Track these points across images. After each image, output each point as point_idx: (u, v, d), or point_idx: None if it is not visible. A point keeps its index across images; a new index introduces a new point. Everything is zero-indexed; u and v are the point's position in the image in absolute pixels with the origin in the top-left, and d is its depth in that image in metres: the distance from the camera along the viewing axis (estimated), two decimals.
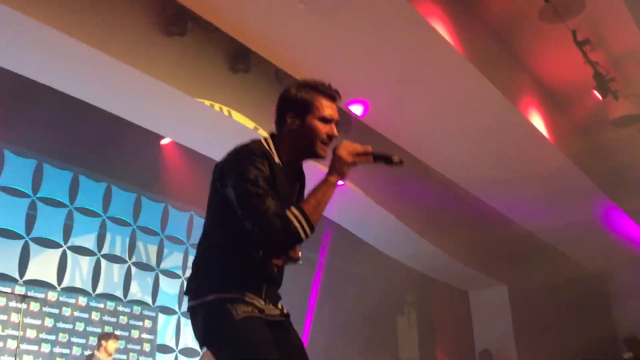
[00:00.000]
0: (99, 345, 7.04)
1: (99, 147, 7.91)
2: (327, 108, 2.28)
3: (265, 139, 2.33)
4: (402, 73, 6.21)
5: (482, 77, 6.17)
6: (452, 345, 11.55)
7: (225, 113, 6.49)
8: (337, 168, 2.18)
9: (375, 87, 6.44)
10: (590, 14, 6.11)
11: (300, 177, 2.40)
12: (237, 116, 6.60)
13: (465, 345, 11.50)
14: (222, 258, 2.22)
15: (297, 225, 2.07)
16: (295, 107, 2.28)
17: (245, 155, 2.19)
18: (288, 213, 2.09)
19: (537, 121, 7.21)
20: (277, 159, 2.26)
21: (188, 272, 9.73)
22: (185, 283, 9.71)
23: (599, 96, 6.77)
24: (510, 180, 8.16)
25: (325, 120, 2.27)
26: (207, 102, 6.33)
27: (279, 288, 2.39)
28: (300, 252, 2.36)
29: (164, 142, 8.14)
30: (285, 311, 2.37)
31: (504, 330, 11.21)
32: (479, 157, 7.69)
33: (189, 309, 2.26)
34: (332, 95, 2.31)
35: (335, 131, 2.30)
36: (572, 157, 7.85)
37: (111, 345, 6.91)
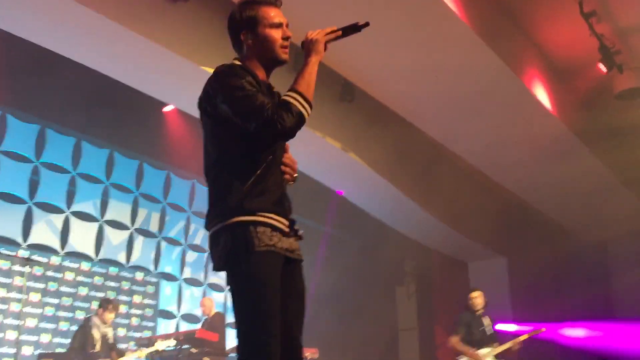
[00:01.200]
0: (97, 311, 7.08)
1: (101, 113, 7.91)
2: (274, 15, 2.37)
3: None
4: (410, 46, 6.16)
5: (486, 48, 6.13)
6: (450, 317, 11.65)
7: None
8: (314, 48, 2.30)
9: (384, 61, 6.40)
10: None
11: (273, 95, 2.42)
12: None
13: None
14: (240, 180, 2.22)
15: (298, 104, 2.19)
16: (245, 25, 2.37)
17: (225, 70, 2.29)
18: (285, 97, 2.19)
19: (541, 93, 7.19)
20: (250, 71, 2.32)
21: (190, 240, 9.87)
22: (186, 251, 9.82)
23: (604, 69, 6.73)
24: (512, 153, 8.16)
25: (276, 26, 2.36)
26: (210, 70, 6.31)
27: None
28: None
29: (166, 109, 8.13)
30: (300, 236, 2.36)
31: (502, 303, 11.29)
32: (481, 128, 7.68)
33: (210, 237, 2.27)
34: (273, 2, 2.40)
35: (288, 32, 2.39)
36: (575, 130, 7.84)
37: (108, 315, 6.92)
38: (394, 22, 5.80)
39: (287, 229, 2.27)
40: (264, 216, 2.21)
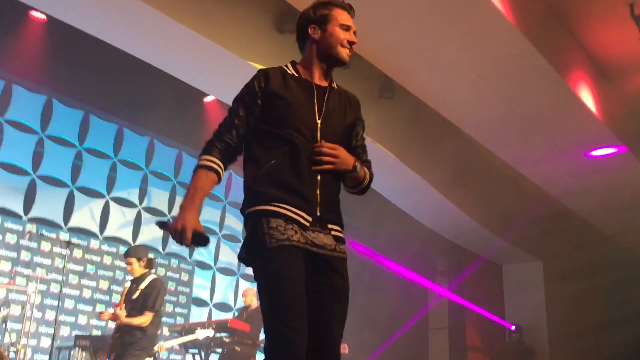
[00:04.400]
0: None
1: (143, 101, 8.03)
2: (345, 18, 2.49)
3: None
4: (452, 42, 6.09)
5: (532, 49, 6.02)
6: (482, 318, 11.54)
7: None
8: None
9: (422, 51, 6.35)
10: None
11: (330, 95, 2.47)
12: None
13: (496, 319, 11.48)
14: (256, 169, 2.33)
15: (204, 162, 2.40)
16: (316, 20, 2.49)
17: (241, 90, 2.50)
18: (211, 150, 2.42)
19: (587, 96, 7.04)
20: (290, 71, 2.48)
21: (225, 229, 9.97)
22: (221, 240, 9.92)
23: None
24: (554, 156, 8.02)
25: (345, 28, 2.48)
26: (251, 63, 6.35)
27: (331, 208, 2.36)
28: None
29: (207, 99, 8.22)
30: (337, 239, 2.34)
31: (536, 307, 11.14)
32: (525, 131, 7.56)
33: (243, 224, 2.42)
34: (347, 7, 2.52)
35: (354, 37, 2.50)
36: (621, 135, 7.66)
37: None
38: (436, 18, 5.74)
39: (306, 222, 2.25)
40: (276, 205, 2.23)
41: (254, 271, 2.27)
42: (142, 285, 5.80)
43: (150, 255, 6.29)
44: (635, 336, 9.63)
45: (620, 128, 7.70)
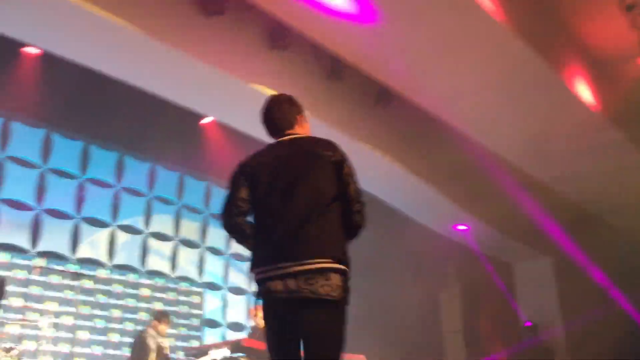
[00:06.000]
0: (152, 323, 7.24)
1: (142, 128, 8.06)
2: None
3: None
4: (444, 43, 6.12)
5: (525, 47, 6.04)
6: (496, 319, 11.48)
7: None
8: None
9: (418, 58, 6.37)
10: None
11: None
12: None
13: (510, 318, 11.42)
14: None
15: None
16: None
17: None
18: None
19: (583, 89, 7.04)
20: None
21: (233, 249, 9.97)
22: (229, 260, 9.91)
23: None
24: (555, 150, 8.02)
25: None
26: (244, 82, 6.37)
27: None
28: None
29: (204, 121, 8.25)
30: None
31: (549, 304, 11.07)
32: (523, 128, 7.56)
33: None
34: None
35: None
36: (619, 126, 7.65)
37: (162, 327, 7.11)
38: (427, 18, 5.77)
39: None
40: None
41: (336, 311, 2.59)
42: None
43: None
44: None
45: (617, 117, 7.70)
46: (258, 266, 2.68)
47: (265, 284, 2.62)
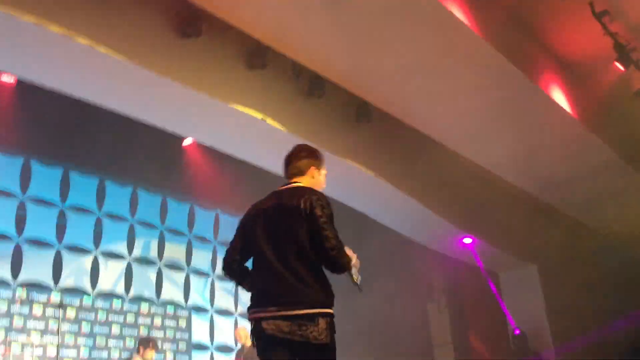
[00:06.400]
0: (137, 350, 7.16)
1: (120, 152, 8.00)
2: None
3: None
4: (419, 58, 6.17)
5: (500, 57, 6.11)
6: (485, 329, 11.49)
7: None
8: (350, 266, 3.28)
9: (397, 74, 6.41)
10: None
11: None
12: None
13: (498, 328, 11.43)
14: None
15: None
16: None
17: None
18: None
19: (559, 97, 7.13)
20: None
21: (218, 271, 9.88)
22: (215, 282, 9.82)
23: (621, 67, 6.67)
24: (532, 157, 8.09)
25: None
26: (222, 102, 6.35)
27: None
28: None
29: (185, 143, 8.21)
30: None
31: (536, 311, 11.10)
32: (500, 136, 7.63)
33: None
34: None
35: None
36: (596, 131, 7.75)
37: (149, 353, 7.04)
38: (406, 36, 5.82)
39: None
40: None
41: (323, 352, 2.95)
42: None
43: None
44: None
45: (593, 123, 7.80)
46: (252, 307, 3.09)
47: (260, 324, 3.00)
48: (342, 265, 3.07)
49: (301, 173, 3.32)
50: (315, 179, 3.35)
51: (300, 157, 3.35)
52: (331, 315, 3.00)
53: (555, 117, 7.28)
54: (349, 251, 3.14)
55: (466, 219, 9.66)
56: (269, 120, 6.61)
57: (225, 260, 3.30)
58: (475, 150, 7.96)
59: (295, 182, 3.30)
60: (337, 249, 3.02)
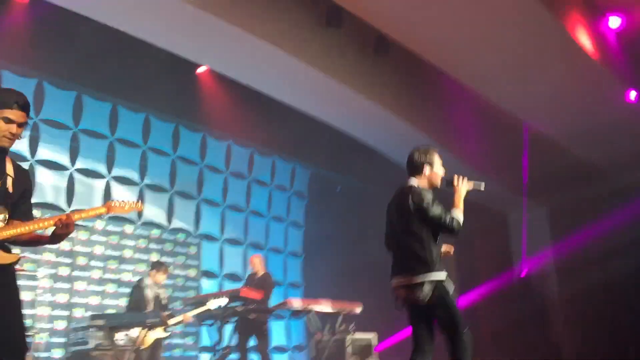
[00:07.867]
0: (149, 273, 7.30)
1: (134, 77, 7.91)
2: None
3: None
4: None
5: None
6: (491, 269, 11.56)
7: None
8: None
9: (416, 7, 6.24)
10: None
11: None
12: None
13: (505, 268, 11.49)
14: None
15: None
16: None
17: None
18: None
19: (583, 37, 6.94)
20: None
21: (228, 201, 9.96)
22: (225, 211, 9.91)
23: None
24: (550, 97, 7.96)
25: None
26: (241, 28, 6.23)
27: None
28: None
29: (199, 70, 8.10)
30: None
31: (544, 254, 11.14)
32: (522, 76, 7.49)
33: None
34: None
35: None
36: (615, 70, 7.59)
37: (160, 276, 7.17)
38: None
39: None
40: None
41: (434, 306, 3.80)
42: None
43: None
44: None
45: (614, 63, 7.62)
46: (392, 277, 3.96)
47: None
48: (456, 230, 4.04)
49: (418, 171, 4.10)
50: (424, 180, 4.10)
51: (415, 158, 4.08)
52: (433, 281, 3.82)
53: (579, 58, 7.10)
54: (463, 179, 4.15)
55: (476, 157, 9.59)
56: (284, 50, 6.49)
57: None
58: (493, 88, 7.82)
59: (410, 184, 4.07)
60: (449, 222, 4.01)
